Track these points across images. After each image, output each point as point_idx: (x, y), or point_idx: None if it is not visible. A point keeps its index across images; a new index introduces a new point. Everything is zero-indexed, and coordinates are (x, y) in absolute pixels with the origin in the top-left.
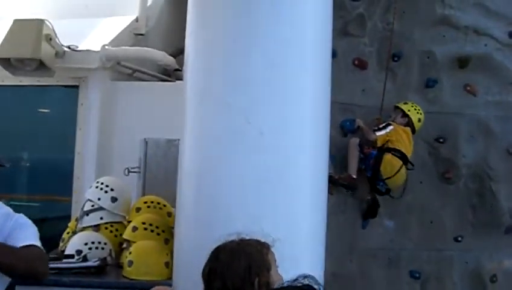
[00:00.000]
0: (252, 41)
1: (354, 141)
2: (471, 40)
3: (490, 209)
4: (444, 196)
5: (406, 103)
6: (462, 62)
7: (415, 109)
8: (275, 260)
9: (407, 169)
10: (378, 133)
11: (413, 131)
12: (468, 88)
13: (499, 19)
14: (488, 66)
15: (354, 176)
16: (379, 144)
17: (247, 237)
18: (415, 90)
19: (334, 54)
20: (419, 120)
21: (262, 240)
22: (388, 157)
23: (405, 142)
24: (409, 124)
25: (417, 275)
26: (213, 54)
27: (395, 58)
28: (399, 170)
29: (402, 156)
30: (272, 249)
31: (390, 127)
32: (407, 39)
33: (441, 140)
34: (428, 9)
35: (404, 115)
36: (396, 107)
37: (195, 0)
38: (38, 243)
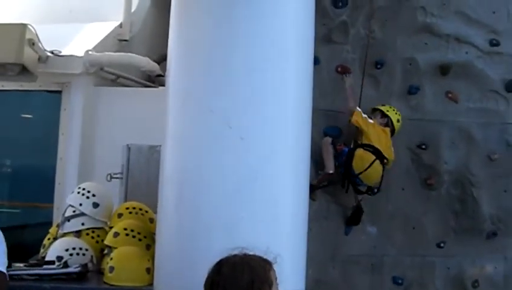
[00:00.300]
0: (233, 47)
1: (327, 139)
2: (452, 47)
3: (472, 215)
4: (426, 202)
5: (383, 105)
6: (444, 69)
7: (394, 110)
8: (276, 278)
9: (383, 165)
10: (359, 110)
11: (393, 132)
12: (450, 95)
13: (480, 27)
14: (469, 73)
15: (331, 171)
16: (354, 119)
17: (251, 253)
18: (398, 97)
19: (317, 61)
20: (398, 120)
21: (265, 256)
22: (360, 152)
23: (382, 141)
24: (388, 124)
25: (400, 281)
26: (195, 60)
27: (378, 66)
28: (371, 164)
29: (375, 151)
30: (274, 266)
31: (371, 121)
32: (390, 47)
33: (423, 147)
34: (410, 17)
35: (384, 115)
36: (375, 109)
37: (178, 7)
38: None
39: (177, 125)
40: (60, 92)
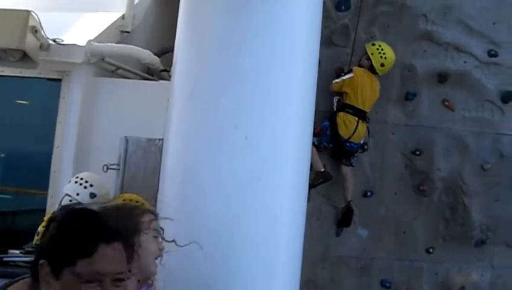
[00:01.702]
0: (242, 47)
1: None
2: (451, 56)
3: (462, 223)
4: (418, 207)
5: (373, 44)
6: (442, 77)
7: (380, 52)
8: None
9: (366, 123)
10: (334, 81)
11: (376, 73)
12: (446, 103)
13: (480, 38)
14: (466, 82)
15: (322, 169)
16: (335, 89)
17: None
18: (395, 103)
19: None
20: (382, 65)
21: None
22: (341, 116)
23: (366, 91)
24: (372, 67)
25: (388, 284)
26: (203, 57)
27: None
28: (357, 127)
29: (356, 112)
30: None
31: (349, 75)
32: None
33: (418, 153)
34: (412, 24)
35: (368, 57)
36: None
37: (187, 3)
38: None
39: (181, 121)
40: (59, 80)
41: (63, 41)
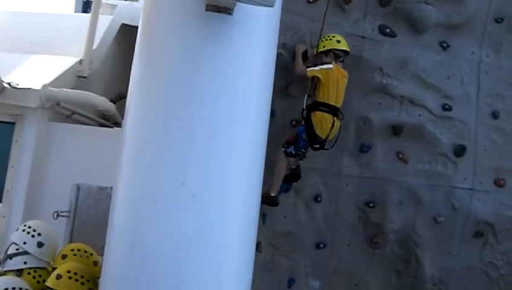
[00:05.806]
0: (192, 103)
1: (281, 155)
2: (406, 109)
3: (414, 275)
4: (371, 260)
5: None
6: (396, 130)
7: (327, 38)
8: None
9: (339, 119)
10: (310, 69)
11: (345, 54)
12: (400, 156)
13: (434, 91)
14: (420, 135)
15: (273, 194)
16: (309, 75)
17: None
18: (349, 154)
19: (272, 114)
20: (338, 42)
21: None
22: (318, 115)
23: (340, 85)
24: (336, 55)
25: None
26: (153, 113)
27: None
28: (333, 125)
29: (331, 110)
30: None
31: (329, 66)
32: (345, 104)
33: (371, 205)
34: (368, 77)
35: (323, 53)
36: (321, 53)
37: (140, 54)
38: None
39: (130, 176)
40: (13, 123)
41: (18, 84)
